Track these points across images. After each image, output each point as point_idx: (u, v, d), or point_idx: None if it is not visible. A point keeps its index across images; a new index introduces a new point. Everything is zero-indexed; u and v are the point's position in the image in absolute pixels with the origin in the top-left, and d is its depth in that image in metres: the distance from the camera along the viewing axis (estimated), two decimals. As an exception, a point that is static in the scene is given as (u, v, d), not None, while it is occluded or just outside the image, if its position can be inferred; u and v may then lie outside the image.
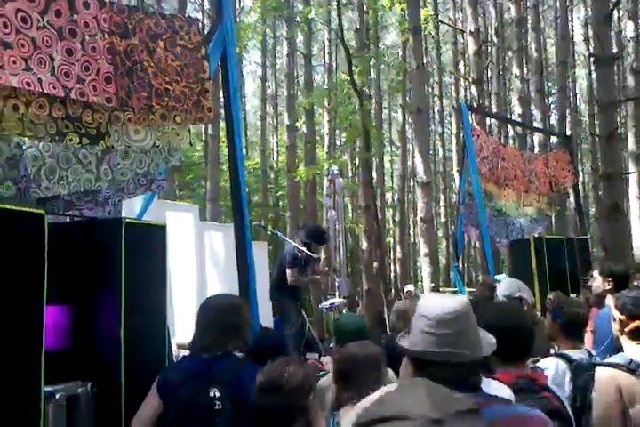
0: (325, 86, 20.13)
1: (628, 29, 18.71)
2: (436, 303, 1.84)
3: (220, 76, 4.71)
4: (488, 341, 1.90)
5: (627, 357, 2.72)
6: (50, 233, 2.82)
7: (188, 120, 4.12)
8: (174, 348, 4.78)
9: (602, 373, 2.71)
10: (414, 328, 1.85)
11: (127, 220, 3.37)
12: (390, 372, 3.34)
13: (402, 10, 13.57)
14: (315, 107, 18.80)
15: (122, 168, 3.83)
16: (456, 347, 1.75)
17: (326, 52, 22.89)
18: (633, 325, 2.83)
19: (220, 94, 7.00)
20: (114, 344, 3.17)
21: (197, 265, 6.90)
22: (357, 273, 21.01)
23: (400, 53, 21.73)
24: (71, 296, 3.25)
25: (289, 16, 16.47)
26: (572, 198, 11.27)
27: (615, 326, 2.93)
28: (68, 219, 3.76)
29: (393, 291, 20.84)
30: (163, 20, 3.98)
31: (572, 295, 6.91)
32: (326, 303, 7.44)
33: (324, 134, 20.91)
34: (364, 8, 16.54)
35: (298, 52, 19.51)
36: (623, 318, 2.87)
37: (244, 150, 25.79)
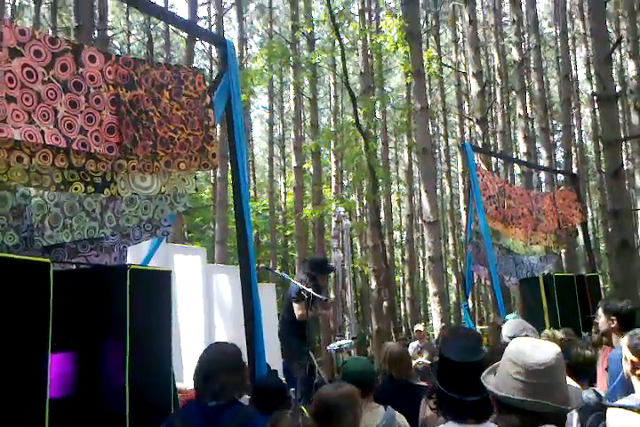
0: (331, 128, 20.45)
1: (630, 68, 19.00)
2: (528, 351, 1.87)
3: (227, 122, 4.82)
4: (576, 393, 1.94)
5: (637, 398, 2.66)
6: (55, 281, 2.86)
7: (193, 166, 4.19)
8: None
9: (615, 415, 2.65)
10: (501, 371, 1.89)
11: (132, 266, 3.41)
12: (380, 409, 3.36)
13: (405, 52, 13.88)
14: (321, 148, 19.06)
15: (126, 214, 3.88)
16: (546, 398, 1.78)
17: (332, 95, 23.34)
18: None
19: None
20: (118, 392, 3.15)
21: (205, 308, 6.89)
22: (367, 313, 20.82)
23: (405, 95, 22.12)
24: (76, 343, 3.26)
25: (295, 62, 16.89)
26: (580, 236, 11.20)
27: (627, 367, 2.87)
28: (73, 266, 3.79)
29: (403, 330, 20.58)
30: (168, 71, 4.11)
31: (583, 333, 6.84)
32: (334, 345, 7.35)
33: (331, 175, 21.11)
34: (369, 52, 16.96)
35: (304, 96, 19.92)
36: (636, 359, 2.81)
37: (253, 192, 26.08)
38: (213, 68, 18.64)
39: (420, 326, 10.16)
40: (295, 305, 6.51)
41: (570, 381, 3.33)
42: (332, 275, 8.22)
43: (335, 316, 10.62)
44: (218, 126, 4.76)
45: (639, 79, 18.18)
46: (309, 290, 6.52)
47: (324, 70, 21.58)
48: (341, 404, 2.77)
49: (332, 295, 12.52)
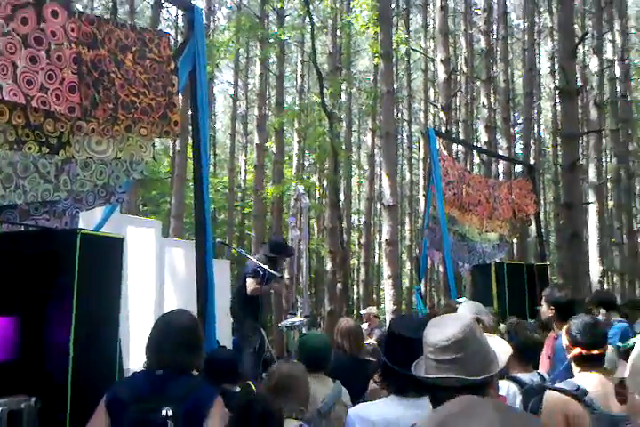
0: (296, 107, 20.27)
1: (593, 64, 19.42)
2: (436, 329, 1.90)
3: (189, 92, 4.69)
4: (500, 357, 1.94)
5: (574, 383, 2.73)
6: (2, 242, 2.74)
7: (154, 133, 4.08)
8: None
9: (550, 397, 2.73)
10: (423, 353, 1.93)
11: (83, 231, 3.29)
12: (330, 382, 3.47)
13: (375, 33, 13.78)
14: (285, 127, 18.88)
15: (81, 179, 3.74)
16: (457, 372, 1.80)
17: (299, 73, 23.10)
18: (575, 352, 2.85)
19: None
20: (62, 357, 3.06)
21: (157, 282, 6.76)
22: (320, 294, 20.95)
23: (371, 78, 22.07)
24: (21, 307, 3.14)
25: (263, 36, 16.60)
26: (533, 226, 11.46)
27: (567, 353, 2.96)
28: (22, 228, 3.65)
29: (355, 312, 20.80)
30: (132, 33, 3.96)
31: (530, 320, 7.02)
32: (287, 322, 7.37)
33: (293, 155, 20.98)
34: (338, 32, 16.79)
35: (270, 73, 19.64)
36: (568, 344, 2.91)
37: (213, 168, 25.74)
38: (179, 38, 18.13)
39: (368, 310, 10.25)
40: (249, 280, 6.49)
41: (517, 366, 3.44)
42: (293, 253, 8.21)
43: (288, 295, 10.64)
44: (180, 96, 4.63)
45: (601, 75, 18.61)
46: (265, 266, 6.50)
47: (292, 47, 21.30)
48: (297, 379, 2.89)
49: (286, 275, 12.51)
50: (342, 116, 20.48)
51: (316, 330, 16.41)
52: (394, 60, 15.53)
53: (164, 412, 2.44)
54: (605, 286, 20.93)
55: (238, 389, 3.74)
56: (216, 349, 4.24)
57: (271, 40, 17.03)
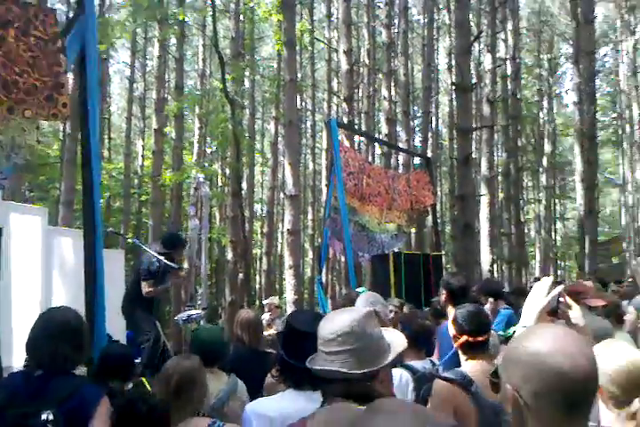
0: (197, 92, 19.74)
1: (487, 62, 20.30)
2: (327, 323, 1.92)
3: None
4: (395, 350, 1.95)
5: (460, 372, 2.80)
6: None
7: (40, 115, 3.81)
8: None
9: (438, 386, 2.78)
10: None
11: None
12: (224, 377, 3.43)
13: (278, 21, 13.64)
14: (185, 112, 18.35)
15: (-45, 163, 3.41)
16: (341, 364, 1.82)
17: (200, 57, 22.49)
18: (462, 340, 2.92)
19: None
20: None
21: (43, 273, 6.34)
22: (221, 284, 20.68)
23: (275, 65, 21.89)
24: None
25: (162, 17, 15.96)
26: (430, 217, 11.87)
27: (453, 341, 3.02)
28: None
29: (257, 302, 20.73)
30: (16, 7, 3.65)
31: (425, 308, 7.25)
32: (183, 315, 7.16)
33: (194, 141, 20.43)
34: (241, 17, 16.46)
35: (170, 55, 18.97)
36: (455, 333, 2.97)
37: (107, 153, 24.59)
38: (71, 14, 17.06)
39: (270, 300, 10.22)
40: (143, 283, 6.25)
41: (410, 353, 3.53)
42: (187, 244, 7.97)
43: (187, 286, 10.39)
44: (70, 76, 4.32)
45: (494, 73, 19.50)
46: (162, 258, 6.27)
47: (193, 30, 20.65)
48: (196, 375, 2.84)
49: (185, 265, 12.21)
50: (245, 103, 20.17)
51: (216, 322, 16.22)
52: (297, 48, 15.45)
53: (43, 416, 2.30)
54: (495, 274, 22.16)
55: (131, 386, 3.60)
56: (109, 344, 4.13)
57: (171, 21, 16.42)
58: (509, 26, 20.48)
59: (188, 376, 2.81)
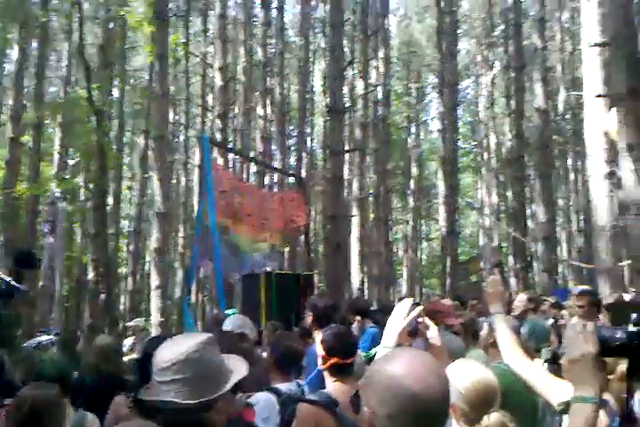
0: (60, 100, 18.50)
1: (359, 87, 20.99)
2: (162, 350, 1.82)
3: None
4: (233, 377, 1.86)
5: (325, 393, 2.79)
6: None
7: None
8: None
9: (301, 409, 2.75)
10: None
11: None
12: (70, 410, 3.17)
13: (151, 32, 13.14)
14: (46, 121, 17.11)
15: None
16: (175, 394, 1.74)
17: (64, 63, 21.15)
18: (331, 361, 2.89)
19: None
20: None
21: None
22: (82, 305, 19.36)
23: (147, 77, 21.11)
24: None
25: (23, 18, 14.81)
26: (303, 236, 11.90)
27: (320, 362, 2.99)
28: None
29: (121, 325, 19.60)
30: None
31: (295, 328, 7.12)
32: (33, 341, 6.52)
33: (54, 152, 19.05)
34: (111, 24, 15.70)
35: (30, 59, 17.61)
36: (324, 354, 2.94)
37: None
38: None
39: (134, 322, 9.66)
40: None
41: (277, 376, 3.39)
42: (40, 263, 7.30)
43: (40, 308, 9.59)
44: None
45: (365, 98, 20.19)
46: (9, 279, 5.69)
47: (58, 34, 19.39)
48: (51, 406, 2.65)
49: (40, 284, 11.24)
50: (114, 114, 19.20)
51: (72, 348, 15.04)
52: (171, 61, 14.98)
53: None
54: (365, 292, 22.68)
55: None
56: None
57: (35, 24, 15.26)
58: (381, 54, 21.33)
59: (42, 406, 2.60)
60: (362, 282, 17.69)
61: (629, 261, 7.90)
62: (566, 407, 1.68)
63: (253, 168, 19.60)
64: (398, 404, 1.26)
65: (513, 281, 21.40)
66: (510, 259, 23.11)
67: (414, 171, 29.33)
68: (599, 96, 9.53)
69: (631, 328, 1.48)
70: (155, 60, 12.14)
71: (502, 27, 24.57)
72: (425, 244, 35.56)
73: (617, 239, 8.98)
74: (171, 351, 1.80)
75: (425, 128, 35.10)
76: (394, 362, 1.33)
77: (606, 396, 2.33)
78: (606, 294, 7.97)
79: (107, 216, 15.47)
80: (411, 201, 29.45)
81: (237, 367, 1.92)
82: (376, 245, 21.88)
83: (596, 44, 9.60)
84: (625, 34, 7.73)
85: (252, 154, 19.36)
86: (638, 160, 7.25)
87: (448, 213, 17.76)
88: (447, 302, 8.16)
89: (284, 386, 3.46)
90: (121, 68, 18.23)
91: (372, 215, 22.76)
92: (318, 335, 3.23)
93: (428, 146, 34.06)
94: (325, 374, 2.96)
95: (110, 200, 18.80)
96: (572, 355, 1.51)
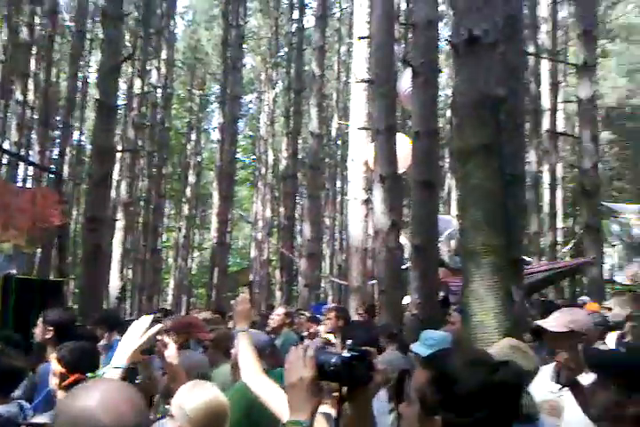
0: None
1: (137, 85, 20.08)
2: None
3: None
4: None
5: (50, 415, 2.50)
6: None
7: None
8: None
9: None
10: None
11: None
12: None
13: None
14: None
15: None
16: None
17: None
18: (73, 378, 2.73)
19: None
20: None
21: None
22: None
23: None
24: None
25: None
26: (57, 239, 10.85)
27: (54, 380, 2.80)
28: None
29: None
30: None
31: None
32: None
33: None
34: None
35: None
36: (64, 371, 2.77)
37: None
38: None
39: None
40: None
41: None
42: None
43: None
44: None
45: (143, 98, 19.37)
46: None
47: None
48: None
49: None
50: None
51: None
52: None
53: None
54: (127, 301, 21.54)
55: None
56: None
57: None
58: (164, 55, 20.69)
59: None
60: (122, 290, 16.70)
61: (375, 281, 8.62)
62: None
63: (4, 159, 17.37)
64: None
65: (278, 294, 22.11)
66: (277, 273, 23.87)
67: (191, 178, 28.88)
68: (361, 128, 10.38)
69: (345, 353, 1.47)
70: None
71: (286, 49, 25.54)
72: (197, 253, 35.17)
73: (366, 261, 9.75)
74: None
75: (206, 136, 34.90)
76: (85, 394, 1.26)
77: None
78: (356, 308, 8.58)
79: None
80: (185, 209, 28.90)
81: None
82: (142, 252, 20.98)
83: (362, 80, 10.45)
84: (384, 75, 8.50)
85: (5, 144, 17.23)
86: (387, 191, 7.97)
87: (220, 223, 17.71)
88: (206, 314, 8.02)
89: (2, 408, 3.02)
90: None
91: (141, 220, 21.79)
92: (56, 351, 2.98)
93: (208, 155, 33.90)
94: (61, 393, 2.74)
95: None
96: (290, 379, 1.48)
